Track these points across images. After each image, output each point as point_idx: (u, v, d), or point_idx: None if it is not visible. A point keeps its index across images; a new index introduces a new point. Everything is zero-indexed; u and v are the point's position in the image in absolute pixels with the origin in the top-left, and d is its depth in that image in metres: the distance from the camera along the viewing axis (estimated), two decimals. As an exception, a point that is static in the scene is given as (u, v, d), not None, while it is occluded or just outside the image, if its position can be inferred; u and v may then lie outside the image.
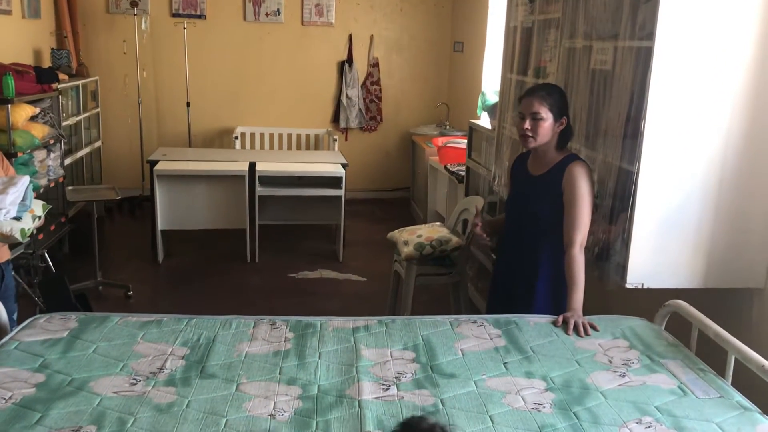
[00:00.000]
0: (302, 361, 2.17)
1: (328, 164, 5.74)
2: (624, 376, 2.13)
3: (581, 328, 2.43)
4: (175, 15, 6.96)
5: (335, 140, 6.91)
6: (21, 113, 4.46)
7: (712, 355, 2.30)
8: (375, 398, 1.95)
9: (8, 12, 5.30)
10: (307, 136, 7.40)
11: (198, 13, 7.00)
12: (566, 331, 2.43)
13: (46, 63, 5.98)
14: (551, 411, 1.92)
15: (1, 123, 4.26)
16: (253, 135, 7.23)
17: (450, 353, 2.26)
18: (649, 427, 1.85)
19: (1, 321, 2.36)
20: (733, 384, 2.12)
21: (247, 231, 5.38)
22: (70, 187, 5.06)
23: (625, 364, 2.22)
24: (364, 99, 7.51)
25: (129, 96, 6.96)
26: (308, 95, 7.41)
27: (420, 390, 2.01)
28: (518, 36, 3.78)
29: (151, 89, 7.06)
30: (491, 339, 2.37)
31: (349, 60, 7.38)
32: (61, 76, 5.56)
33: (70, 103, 5.86)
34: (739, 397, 2.02)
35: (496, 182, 4.02)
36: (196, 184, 5.32)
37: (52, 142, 4.92)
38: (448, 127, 7.03)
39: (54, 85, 5.09)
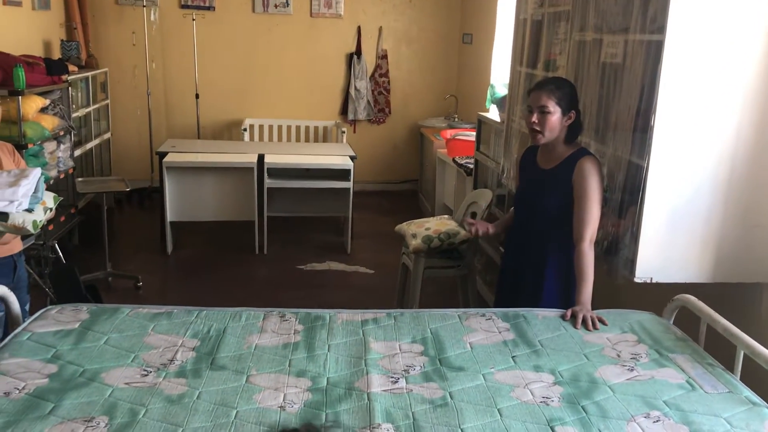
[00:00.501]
0: (311, 354, 2.18)
1: (336, 156, 5.74)
2: (632, 370, 2.14)
3: (590, 322, 2.43)
4: (183, 6, 6.96)
5: (343, 132, 6.91)
6: (31, 105, 4.48)
7: (720, 350, 2.30)
8: (384, 391, 1.96)
9: (18, 3, 5.32)
10: (316, 128, 7.40)
11: (207, 4, 7.00)
12: (575, 325, 2.43)
13: (56, 54, 6.00)
14: (559, 405, 1.92)
15: (12, 115, 4.28)
16: (261, 127, 7.24)
17: (458, 346, 2.26)
18: (657, 421, 1.85)
19: (13, 312, 2.38)
20: (741, 379, 2.12)
21: (255, 223, 5.40)
22: (79, 179, 5.09)
23: (634, 358, 2.22)
24: (373, 91, 7.50)
25: (138, 87, 6.98)
26: (317, 87, 7.41)
27: (428, 383, 2.02)
28: (528, 28, 3.77)
29: (160, 81, 7.08)
30: (500, 332, 2.38)
31: (358, 52, 7.37)
32: (71, 67, 5.58)
33: (79, 94, 5.89)
34: (747, 392, 2.03)
35: (504, 175, 4.02)
36: (205, 176, 5.34)
37: (62, 133, 4.94)
38: (456, 119, 7.02)
39: (64, 77, 5.11)
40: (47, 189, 2.86)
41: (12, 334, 2.22)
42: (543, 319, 2.49)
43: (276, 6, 7.12)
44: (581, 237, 2.55)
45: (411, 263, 3.89)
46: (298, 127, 7.34)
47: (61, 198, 3.06)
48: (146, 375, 2.01)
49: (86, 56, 6.38)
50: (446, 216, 4.24)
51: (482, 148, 4.78)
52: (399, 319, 2.46)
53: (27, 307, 2.92)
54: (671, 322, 2.52)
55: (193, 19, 6.79)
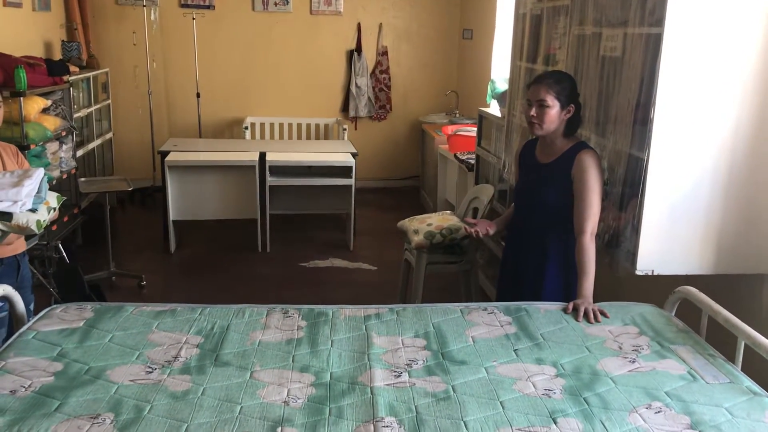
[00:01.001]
0: (315, 349, 2.19)
1: (337, 153, 5.75)
2: (634, 362, 2.15)
3: (591, 315, 2.44)
4: (183, 5, 6.97)
5: (345, 129, 6.92)
6: (33, 106, 4.50)
7: (721, 341, 2.31)
8: (387, 385, 1.98)
9: (19, 5, 5.33)
10: (317, 126, 7.41)
11: (207, 3, 7.01)
12: (576, 318, 2.44)
13: (57, 55, 6.02)
14: (561, 397, 1.93)
15: (14, 116, 4.29)
16: (263, 125, 7.25)
17: (461, 340, 2.28)
18: (658, 412, 1.86)
19: (18, 311, 2.40)
20: (742, 369, 2.13)
21: (258, 221, 5.41)
22: (82, 179, 5.11)
23: (635, 350, 2.23)
24: (374, 88, 7.51)
25: (139, 87, 6.99)
26: (317, 84, 7.42)
27: (431, 377, 2.04)
28: (527, 23, 3.77)
29: (161, 80, 7.09)
30: (502, 326, 2.39)
31: (358, 49, 7.38)
32: (72, 68, 5.60)
33: (81, 95, 5.90)
34: (748, 382, 2.03)
35: (506, 170, 4.02)
36: (206, 175, 5.35)
37: (64, 134, 4.96)
38: (457, 115, 7.03)
39: (65, 78, 5.13)
40: (50, 189, 2.87)
41: (17, 333, 2.24)
42: (545, 312, 2.49)
43: (276, 4, 7.13)
44: (582, 230, 2.56)
45: (413, 259, 3.90)
46: (299, 125, 7.35)
47: (65, 198, 3.08)
48: (151, 372, 2.02)
49: (87, 56, 6.39)
50: (448, 212, 4.25)
51: (483, 144, 4.79)
52: (401, 314, 2.47)
53: (31, 307, 2.93)
54: (673, 314, 2.53)
55: (193, 18, 6.80)
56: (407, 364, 2.11)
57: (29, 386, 1.91)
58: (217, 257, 5.38)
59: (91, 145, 6.05)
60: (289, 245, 5.63)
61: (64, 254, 4.44)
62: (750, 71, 2.43)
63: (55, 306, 2.46)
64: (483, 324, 2.40)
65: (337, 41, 7.36)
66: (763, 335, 2.10)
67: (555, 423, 1.80)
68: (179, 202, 5.33)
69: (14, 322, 2.41)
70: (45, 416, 1.76)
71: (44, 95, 4.76)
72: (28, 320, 2.37)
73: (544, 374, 2.07)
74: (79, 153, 5.55)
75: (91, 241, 5.41)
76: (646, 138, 2.48)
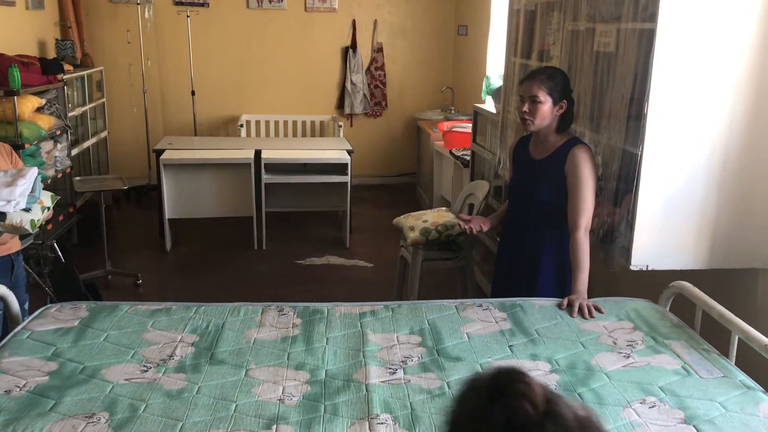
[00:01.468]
0: (310, 347, 2.20)
1: (333, 151, 5.75)
2: (628, 357, 2.16)
3: (586, 311, 2.45)
4: (178, 3, 6.95)
5: (340, 126, 6.91)
6: (27, 105, 4.48)
7: (716, 336, 2.32)
8: (382, 382, 1.98)
9: (12, 3, 5.31)
10: (312, 123, 7.41)
11: (201, 1, 6.99)
12: (571, 314, 2.45)
13: (51, 54, 5.99)
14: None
15: (8, 115, 4.28)
16: (258, 122, 7.24)
17: (456, 337, 2.28)
18: (653, 407, 1.87)
19: (13, 311, 2.40)
20: (736, 363, 2.14)
21: (253, 218, 5.41)
22: (77, 178, 5.10)
23: (630, 345, 2.24)
24: (369, 85, 7.50)
25: (134, 86, 6.97)
26: (313, 82, 7.40)
27: (426, 373, 2.04)
28: (521, 19, 3.77)
29: (155, 78, 7.07)
30: (497, 322, 2.39)
31: (353, 46, 7.37)
32: (66, 66, 5.58)
33: (75, 93, 5.89)
34: (742, 376, 2.04)
35: (501, 166, 4.03)
36: (202, 173, 5.35)
37: (58, 132, 4.95)
38: (453, 111, 7.02)
39: (59, 76, 5.11)
40: (45, 188, 2.87)
41: (12, 333, 2.24)
42: (539, 308, 2.50)
43: (270, 1, 7.11)
44: (576, 226, 2.56)
45: (409, 256, 3.90)
46: (294, 122, 7.34)
47: (59, 197, 3.07)
48: (146, 371, 2.02)
49: (81, 55, 6.37)
50: (444, 208, 4.25)
51: (479, 140, 4.79)
52: (397, 310, 2.47)
53: (26, 306, 2.93)
54: (667, 308, 2.54)
55: (188, 16, 6.78)
56: (402, 361, 2.11)
57: (24, 386, 1.91)
58: (212, 255, 5.37)
59: (86, 144, 6.03)
60: (285, 243, 5.62)
61: (60, 253, 4.43)
62: (743, 66, 2.43)
63: (49, 305, 2.46)
64: (478, 320, 2.40)
65: (332, 38, 7.35)
66: (757, 330, 2.11)
67: (549, 418, 1.80)
68: (175, 201, 5.32)
69: (9, 321, 2.41)
70: (40, 416, 1.76)
71: (38, 94, 4.75)
72: (23, 320, 2.37)
73: (539, 370, 2.07)
74: (74, 152, 5.53)
75: (87, 240, 5.40)
76: (639, 133, 2.48)
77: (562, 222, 2.62)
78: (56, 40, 6.10)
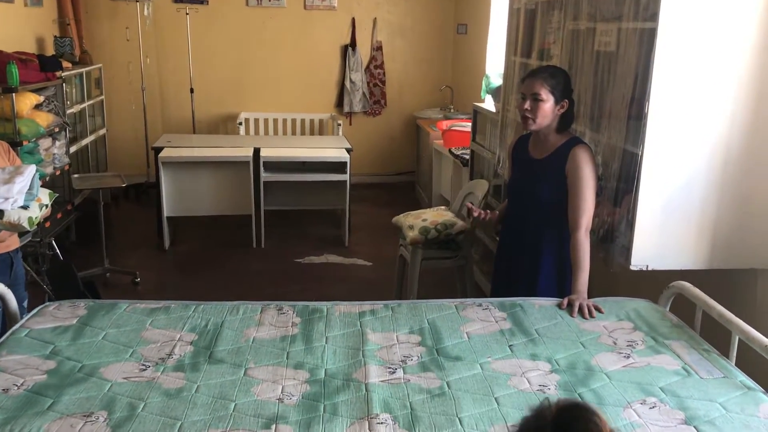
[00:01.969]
0: (309, 346, 2.19)
1: (332, 149, 5.74)
2: (628, 357, 2.15)
3: (586, 311, 2.44)
4: (177, 1, 6.94)
5: (339, 125, 6.90)
6: (25, 102, 4.47)
7: (716, 336, 2.31)
8: (381, 381, 1.97)
9: (11, 0, 5.29)
10: (311, 121, 7.40)
11: (200, -2, 6.98)
12: (571, 314, 2.44)
13: (50, 51, 5.98)
14: (556, 392, 1.93)
15: (6, 112, 4.27)
16: (257, 120, 7.23)
17: (455, 336, 2.27)
18: (653, 407, 1.86)
19: (11, 309, 2.39)
20: (736, 364, 2.13)
21: (252, 217, 5.40)
22: (75, 175, 5.09)
23: (630, 345, 2.23)
24: (368, 83, 7.49)
25: (133, 83, 6.96)
26: (312, 80, 7.39)
27: (426, 373, 2.03)
28: (522, 18, 3.76)
29: (154, 76, 7.06)
30: (496, 322, 2.39)
31: (353, 44, 7.36)
32: (65, 63, 5.56)
33: (74, 90, 5.87)
34: (742, 376, 2.04)
35: (500, 165, 4.02)
36: (201, 171, 5.34)
37: (57, 130, 4.94)
38: (452, 110, 7.01)
39: (58, 73, 5.10)
40: (43, 186, 2.86)
41: (10, 331, 2.23)
42: (539, 308, 2.50)
43: (270, -1, 7.10)
44: (577, 226, 2.55)
45: (408, 255, 3.90)
46: (293, 120, 7.33)
47: (57, 194, 3.06)
48: (144, 369, 2.01)
49: (80, 52, 6.36)
50: (443, 207, 4.24)
51: (478, 139, 4.78)
52: (396, 310, 2.46)
53: (25, 304, 2.92)
54: (667, 309, 2.53)
55: (187, 14, 6.77)
56: (402, 361, 2.11)
57: (22, 384, 1.90)
58: (211, 253, 5.36)
59: (84, 141, 6.02)
60: (283, 241, 5.62)
61: (58, 251, 4.42)
62: (744, 66, 2.42)
63: (48, 303, 2.45)
64: (478, 320, 2.40)
65: (331, 36, 7.34)
66: (757, 330, 2.11)
67: (550, 419, 1.80)
68: (173, 199, 5.31)
69: (7, 319, 2.40)
70: (38, 415, 1.75)
71: (37, 91, 4.73)
72: (22, 318, 2.36)
73: (539, 370, 2.07)
74: (73, 149, 5.52)
75: (85, 237, 5.39)
76: (640, 133, 2.47)
77: (562, 221, 2.62)
78: (55, 37, 6.08)
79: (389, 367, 2.06)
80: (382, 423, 1.76)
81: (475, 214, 2.89)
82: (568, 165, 2.59)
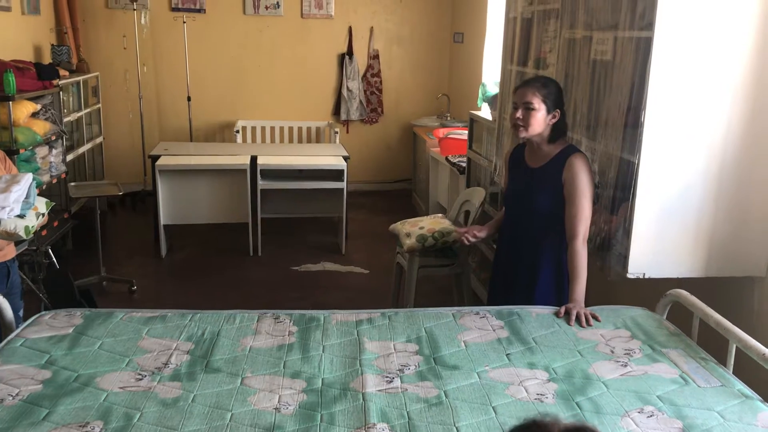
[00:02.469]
0: (306, 355, 2.18)
1: (329, 157, 5.74)
2: (626, 365, 2.15)
3: (583, 319, 2.44)
4: (174, 9, 6.95)
5: (336, 133, 6.91)
6: (22, 110, 4.46)
7: (713, 344, 2.31)
8: (379, 391, 1.97)
9: (8, 8, 5.30)
10: (308, 129, 7.40)
11: (197, 7, 6.99)
12: (568, 322, 2.44)
13: (47, 59, 5.98)
14: (554, 401, 1.93)
15: (3, 120, 4.27)
16: (254, 128, 7.23)
17: (453, 345, 2.27)
18: (650, 416, 1.86)
19: (6, 318, 2.37)
20: (734, 372, 2.13)
21: (249, 224, 5.39)
22: (72, 183, 5.08)
23: (627, 353, 2.23)
24: (365, 91, 7.50)
25: (130, 91, 6.96)
26: (309, 88, 7.40)
27: (423, 382, 2.03)
28: (518, 27, 3.78)
29: (151, 84, 7.06)
30: (494, 330, 2.38)
31: (350, 52, 7.37)
32: (62, 72, 5.56)
33: (71, 99, 5.87)
34: (740, 385, 2.04)
35: (497, 173, 4.03)
36: (198, 179, 5.33)
37: (53, 138, 4.93)
38: (449, 118, 7.02)
39: (55, 82, 5.09)
40: (39, 194, 2.86)
41: (5, 341, 2.22)
42: (537, 316, 2.49)
43: (267, 7, 7.12)
44: (574, 234, 2.56)
45: (405, 262, 3.89)
46: (290, 128, 7.33)
47: (54, 203, 3.06)
48: (141, 379, 2.00)
49: (77, 60, 6.36)
50: (440, 215, 4.24)
51: (475, 147, 4.79)
52: (393, 318, 2.46)
53: (21, 313, 2.91)
54: (664, 317, 2.53)
55: (184, 22, 6.78)
56: (399, 370, 2.10)
57: (17, 395, 1.89)
58: (208, 261, 5.35)
59: (81, 150, 6.01)
60: (280, 249, 5.61)
61: (54, 259, 4.40)
62: (740, 75, 2.43)
63: (44, 312, 2.44)
64: (475, 328, 2.39)
65: (328, 44, 7.35)
66: (754, 338, 2.11)
67: (547, 428, 1.79)
68: (170, 207, 5.30)
69: (2, 329, 2.39)
70: (33, 425, 1.74)
71: (34, 99, 4.73)
72: (17, 327, 2.35)
73: (537, 379, 2.06)
74: (69, 157, 5.51)
75: (82, 246, 5.37)
76: (636, 141, 2.48)
77: (560, 230, 2.62)
78: (52, 45, 6.09)
79: (386, 376, 2.06)
80: (379, 432, 1.75)
81: (467, 243, 2.92)
82: (564, 173, 2.59)
